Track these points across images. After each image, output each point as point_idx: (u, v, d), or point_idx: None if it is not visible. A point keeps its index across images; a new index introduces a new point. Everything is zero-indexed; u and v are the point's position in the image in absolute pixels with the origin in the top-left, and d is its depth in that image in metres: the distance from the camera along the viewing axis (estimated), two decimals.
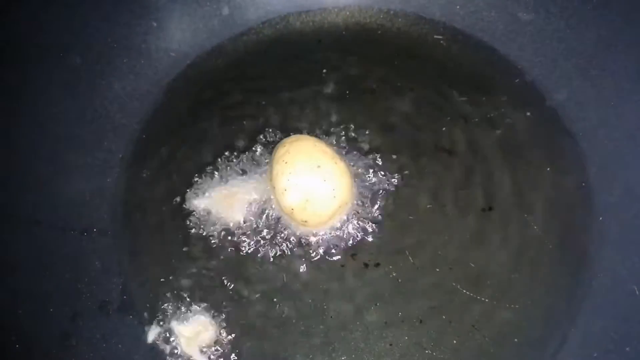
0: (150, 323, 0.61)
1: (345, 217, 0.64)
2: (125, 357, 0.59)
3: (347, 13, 0.80)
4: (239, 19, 0.79)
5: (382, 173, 0.67)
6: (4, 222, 0.63)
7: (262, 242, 0.64)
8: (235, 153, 0.69)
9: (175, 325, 0.60)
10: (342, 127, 0.70)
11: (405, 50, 0.77)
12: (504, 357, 0.58)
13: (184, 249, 0.64)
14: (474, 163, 0.68)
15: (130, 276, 0.64)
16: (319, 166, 0.60)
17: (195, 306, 0.61)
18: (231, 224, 0.64)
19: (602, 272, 0.61)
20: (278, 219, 0.64)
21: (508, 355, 0.58)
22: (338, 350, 0.59)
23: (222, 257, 0.63)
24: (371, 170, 0.67)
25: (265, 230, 0.64)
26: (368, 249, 0.63)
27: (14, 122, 0.67)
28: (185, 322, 0.60)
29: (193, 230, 0.65)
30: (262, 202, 0.65)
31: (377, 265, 0.62)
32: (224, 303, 0.61)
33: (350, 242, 0.63)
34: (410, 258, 0.63)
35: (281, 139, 0.67)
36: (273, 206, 0.64)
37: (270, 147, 0.68)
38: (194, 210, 0.66)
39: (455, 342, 0.59)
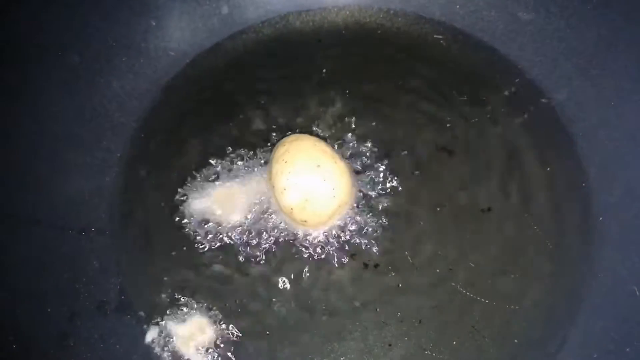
0: (148, 323, 0.60)
1: (344, 217, 0.63)
2: (123, 357, 0.59)
3: (347, 12, 0.80)
4: (238, 18, 0.79)
5: (382, 173, 0.66)
6: (2, 222, 0.62)
7: (261, 242, 0.63)
8: (235, 152, 0.69)
9: (172, 325, 0.60)
10: (341, 126, 0.70)
11: (405, 49, 0.76)
12: (504, 357, 0.58)
13: (183, 249, 0.64)
14: (473, 163, 0.68)
15: (128, 276, 0.64)
16: (318, 165, 0.60)
17: (193, 306, 0.61)
18: (230, 224, 0.64)
19: (602, 272, 0.61)
20: (277, 219, 0.64)
21: (508, 355, 0.58)
22: (337, 351, 0.59)
23: (220, 257, 0.63)
24: (371, 170, 0.66)
25: (264, 230, 0.64)
26: (368, 249, 0.63)
27: (13, 121, 0.66)
28: (182, 322, 0.60)
29: (191, 230, 0.65)
30: (261, 202, 0.65)
31: (377, 265, 0.62)
32: (221, 303, 0.61)
33: (350, 242, 0.63)
34: (409, 258, 0.62)
35: (281, 138, 0.67)
36: (272, 206, 0.64)
37: (270, 146, 0.68)
38: (192, 210, 0.65)
39: (454, 342, 0.59)
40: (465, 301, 0.60)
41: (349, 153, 0.68)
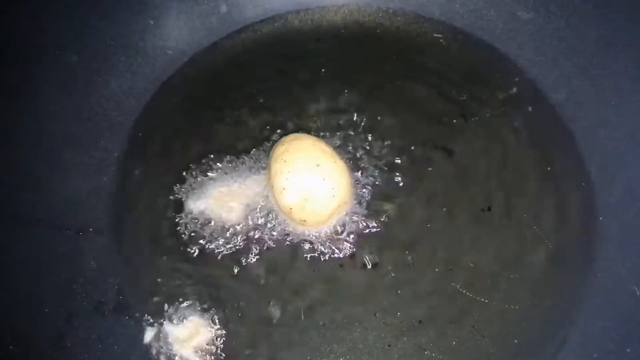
0: (146, 324, 0.60)
1: (344, 217, 0.63)
2: (121, 358, 0.59)
3: (346, 11, 0.80)
4: (237, 17, 0.79)
5: (382, 172, 0.66)
6: (0, 221, 0.62)
7: (260, 242, 0.63)
8: (233, 152, 0.68)
9: (170, 326, 0.60)
10: (341, 125, 0.70)
11: (405, 48, 0.76)
12: (503, 358, 0.58)
13: (180, 249, 0.64)
14: (473, 163, 0.68)
15: (126, 276, 0.63)
16: (318, 165, 0.60)
17: (191, 307, 0.61)
18: (228, 224, 0.64)
19: (602, 272, 0.61)
20: (276, 219, 0.64)
21: (508, 355, 0.58)
22: (336, 352, 0.58)
23: (218, 257, 0.63)
24: (370, 169, 0.66)
25: (263, 230, 0.63)
26: (367, 249, 0.63)
27: (11, 121, 0.66)
28: (180, 323, 0.60)
29: (190, 231, 0.64)
30: (260, 202, 0.64)
31: (376, 265, 0.62)
32: (219, 304, 0.61)
33: (349, 242, 0.63)
34: (409, 258, 0.62)
35: (280, 137, 0.67)
36: (272, 205, 0.64)
37: (269, 145, 0.68)
38: (191, 210, 0.65)
39: (454, 342, 0.58)
40: (465, 301, 0.60)
41: (348, 152, 0.67)
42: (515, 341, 0.58)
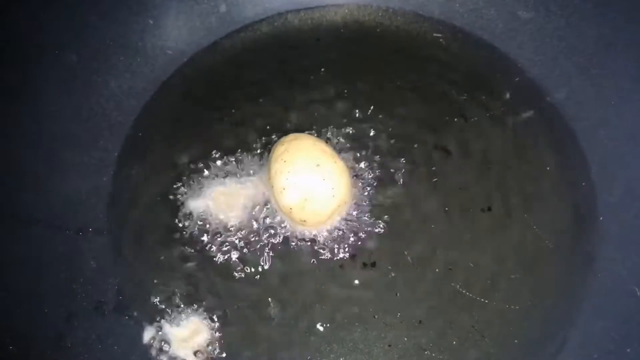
0: (146, 324, 0.60)
1: (344, 217, 0.63)
2: (121, 358, 0.59)
3: (346, 11, 0.80)
4: (236, 17, 0.79)
5: (382, 172, 0.66)
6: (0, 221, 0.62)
7: (259, 242, 0.63)
8: (233, 152, 0.68)
9: (169, 326, 0.60)
10: (341, 125, 0.70)
11: (404, 48, 0.76)
12: (504, 358, 0.58)
13: (180, 249, 0.64)
14: (473, 162, 0.67)
15: (126, 276, 0.63)
16: (318, 165, 0.60)
17: (190, 308, 0.61)
18: (228, 224, 0.64)
19: (602, 272, 0.61)
20: (276, 219, 0.64)
21: (508, 355, 0.58)
22: (336, 352, 0.58)
23: (218, 257, 0.63)
24: (370, 170, 0.66)
25: (263, 230, 0.63)
26: (367, 249, 0.62)
27: (11, 121, 0.66)
28: (179, 323, 0.60)
29: (189, 231, 0.64)
30: (260, 202, 0.64)
31: (376, 265, 0.62)
32: (219, 304, 0.61)
33: (349, 242, 0.63)
34: (409, 258, 0.62)
35: (279, 137, 0.66)
36: (271, 205, 0.64)
37: (269, 145, 0.68)
38: (190, 210, 0.65)
39: (454, 342, 0.58)
40: (465, 301, 0.60)
41: (348, 152, 0.67)
42: (515, 341, 0.58)
